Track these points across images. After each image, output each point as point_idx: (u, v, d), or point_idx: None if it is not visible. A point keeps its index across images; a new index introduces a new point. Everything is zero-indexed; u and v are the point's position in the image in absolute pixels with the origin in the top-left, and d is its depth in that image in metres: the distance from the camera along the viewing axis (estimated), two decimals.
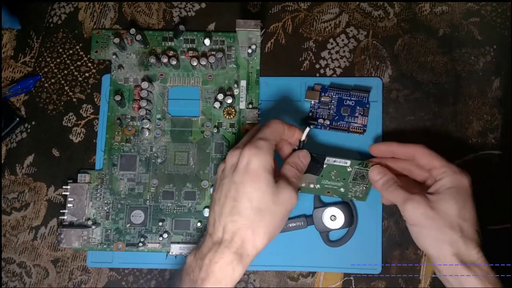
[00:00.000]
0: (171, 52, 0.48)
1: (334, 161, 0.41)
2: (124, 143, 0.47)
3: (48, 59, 0.50)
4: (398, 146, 0.42)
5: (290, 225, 0.45)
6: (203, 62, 0.47)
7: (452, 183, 0.38)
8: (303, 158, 0.40)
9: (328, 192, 0.44)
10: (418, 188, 0.41)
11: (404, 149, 0.42)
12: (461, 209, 0.37)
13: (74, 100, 0.49)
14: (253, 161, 0.36)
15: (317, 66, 0.49)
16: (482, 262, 0.35)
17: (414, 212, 0.37)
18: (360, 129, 0.46)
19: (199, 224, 0.46)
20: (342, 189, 0.43)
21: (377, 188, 0.42)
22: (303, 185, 0.43)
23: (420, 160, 0.40)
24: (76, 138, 0.48)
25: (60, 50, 0.50)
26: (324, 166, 0.42)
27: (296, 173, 0.39)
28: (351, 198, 0.44)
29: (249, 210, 0.35)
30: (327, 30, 0.50)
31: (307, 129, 0.40)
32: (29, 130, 0.49)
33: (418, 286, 0.45)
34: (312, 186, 0.43)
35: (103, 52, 0.49)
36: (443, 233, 0.36)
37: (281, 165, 0.40)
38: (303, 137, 0.40)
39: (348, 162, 0.42)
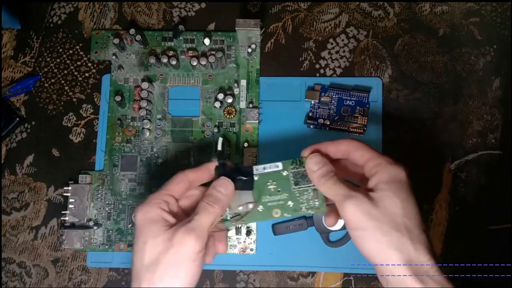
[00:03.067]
0: (171, 52, 0.48)
1: (264, 168, 0.36)
2: (124, 144, 0.47)
3: (48, 59, 0.50)
4: (329, 144, 0.36)
5: (291, 227, 0.45)
6: (203, 62, 0.47)
7: (389, 175, 0.33)
8: (220, 186, 0.35)
9: (277, 212, 0.35)
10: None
11: (336, 146, 0.36)
12: (405, 206, 0.32)
13: (74, 100, 0.49)
14: (137, 215, 0.34)
15: (317, 66, 0.49)
16: (436, 272, 0.30)
17: (355, 212, 0.32)
18: (360, 129, 0.46)
19: None
20: (290, 203, 0.35)
21: (314, 180, 0.35)
22: (240, 208, 0.36)
23: (354, 155, 0.35)
24: (76, 138, 0.48)
25: (60, 50, 0.50)
26: (255, 178, 0.36)
27: (212, 211, 0.34)
28: (308, 212, 0.36)
29: (142, 269, 0.32)
30: (327, 30, 0.50)
31: (220, 139, 0.38)
32: (29, 130, 0.49)
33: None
34: (251, 206, 0.35)
35: (103, 52, 0.49)
36: (389, 235, 0.31)
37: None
38: (219, 147, 0.38)
39: (280, 165, 0.36)
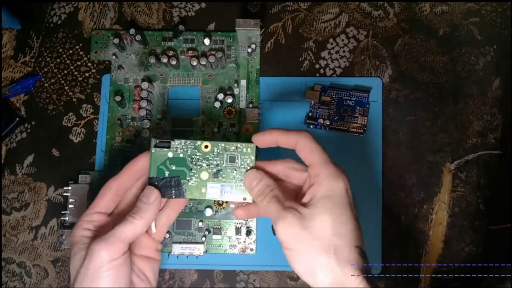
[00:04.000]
0: (171, 52, 0.48)
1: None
2: (125, 144, 0.47)
3: (48, 59, 0.50)
4: (281, 133, 0.35)
5: None
6: (203, 62, 0.47)
7: (325, 189, 0.32)
8: (143, 196, 0.35)
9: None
10: (294, 195, 0.36)
11: (287, 137, 0.34)
12: (336, 224, 0.31)
13: (74, 100, 0.49)
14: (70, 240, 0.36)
15: (317, 66, 0.49)
16: None
17: (286, 234, 0.31)
18: (360, 129, 0.46)
19: (200, 224, 0.46)
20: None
21: (253, 198, 0.35)
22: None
23: (301, 152, 0.34)
24: (76, 138, 0.48)
25: (60, 50, 0.50)
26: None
27: (133, 222, 0.34)
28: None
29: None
30: (327, 30, 0.50)
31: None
32: (29, 130, 0.49)
33: (418, 286, 0.45)
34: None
35: (103, 52, 0.49)
36: (316, 257, 0.30)
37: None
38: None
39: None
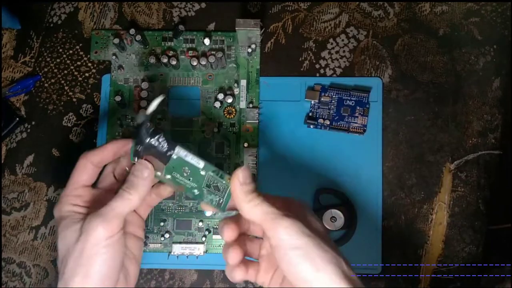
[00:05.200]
0: (171, 52, 0.48)
1: (186, 156, 0.34)
2: None
3: (48, 59, 0.50)
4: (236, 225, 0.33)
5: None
6: (203, 61, 0.47)
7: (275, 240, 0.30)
8: (137, 171, 0.33)
9: (181, 188, 0.35)
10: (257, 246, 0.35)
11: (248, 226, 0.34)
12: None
13: (74, 100, 0.49)
14: (54, 215, 0.34)
15: (317, 66, 0.49)
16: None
17: (290, 231, 0.29)
18: (360, 129, 0.46)
19: (200, 223, 0.46)
20: (196, 191, 0.35)
21: (240, 196, 0.32)
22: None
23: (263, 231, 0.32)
24: (76, 138, 0.48)
25: (60, 50, 0.50)
26: (174, 157, 0.34)
27: (128, 197, 0.33)
28: (209, 204, 0.35)
29: (59, 266, 0.33)
30: (327, 30, 0.50)
31: (158, 100, 0.34)
32: (29, 130, 0.49)
33: (418, 286, 0.45)
34: (159, 174, 0.34)
35: (103, 52, 0.49)
36: (327, 251, 0.29)
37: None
38: (139, 119, 0.34)
39: (202, 164, 0.34)
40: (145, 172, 0.33)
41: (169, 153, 0.34)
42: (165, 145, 0.34)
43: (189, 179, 0.35)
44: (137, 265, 0.37)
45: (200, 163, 0.34)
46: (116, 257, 0.32)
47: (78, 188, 0.35)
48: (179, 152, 0.34)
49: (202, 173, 0.34)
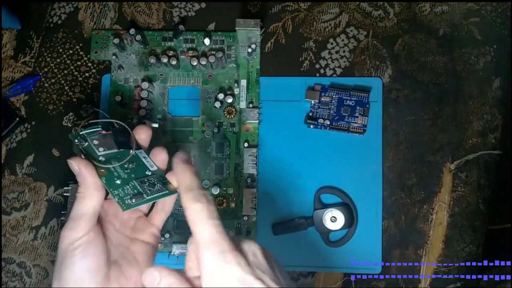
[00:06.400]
0: (171, 52, 0.48)
1: (144, 158, 0.35)
2: None
3: (48, 59, 0.50)
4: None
5: (291, 227, 0.45)
6: (203, 61, 0.47)
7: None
8: (73, 170, 0.33)
9: (103, 171, 0.34)
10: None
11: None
12: None
13: (74, 100, 0.49)
14: None
15: (317, 66, 0.49)
16: None
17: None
18: (360, 129, 0.46)
19: None
20: (118, 181, 0.33)
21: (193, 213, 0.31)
22: (99, 153, 0.35)
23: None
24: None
25: (60, 50, 0.50)
26: (132, 152, 0.35)
27: (80, 196, 0.33)
28: (124, 196, 0.33)
29: None
30: (327, 30, 0.50)
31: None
32: (29, 130, 0.49)
33: (418, 286, 0.45)
34: (101, 151, 0.35)
35: (103, 52, 0.49)
36: None
37: None
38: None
39: (154, 168, 0.35)
40: (74, 166, 0.33)
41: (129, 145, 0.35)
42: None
43: (126, 171, 0.34)
44: (139, 269, 0.36)
45: (153, 167, 0.35)
46: (97, 255, 0.33)
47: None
48: (142, 152, 0.35)
49: (148, 173, 0.34)
